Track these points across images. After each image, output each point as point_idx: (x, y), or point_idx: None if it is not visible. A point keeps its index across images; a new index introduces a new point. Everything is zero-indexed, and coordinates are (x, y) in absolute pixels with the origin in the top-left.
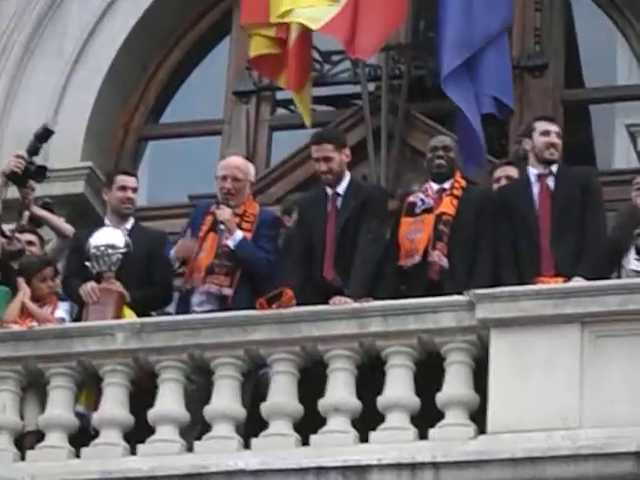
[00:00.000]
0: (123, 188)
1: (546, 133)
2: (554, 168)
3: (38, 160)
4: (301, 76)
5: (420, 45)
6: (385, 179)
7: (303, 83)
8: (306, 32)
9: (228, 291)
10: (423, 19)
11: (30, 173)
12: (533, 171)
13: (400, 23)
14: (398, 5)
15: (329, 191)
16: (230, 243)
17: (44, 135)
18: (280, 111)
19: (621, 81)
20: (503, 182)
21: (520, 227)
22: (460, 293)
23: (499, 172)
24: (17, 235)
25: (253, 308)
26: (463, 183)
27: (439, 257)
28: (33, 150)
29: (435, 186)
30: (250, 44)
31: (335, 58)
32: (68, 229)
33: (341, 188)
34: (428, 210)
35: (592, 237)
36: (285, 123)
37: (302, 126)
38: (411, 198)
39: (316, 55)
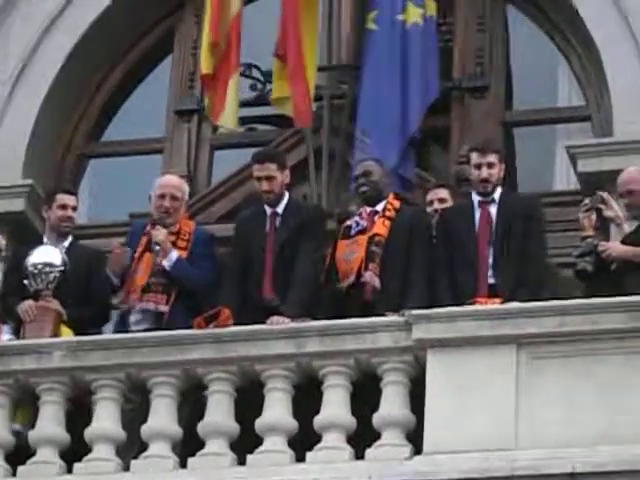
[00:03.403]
0: (63, 207)
1: (478, 167)
2: (496, 195)
3: None
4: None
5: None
6: (326, 199)
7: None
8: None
9: (164, 308)
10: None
11: None
12: (476, 197)
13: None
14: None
15: (268, 210)
16: (166, 264)
17: None
18: (221, 130)
19: (562, 103)
20: (436, 204)
21: (459, 251)
22: (393, 312)
23: (431, 195)
24: None
25: (189, 326)
26: (396, 205)
27: (371, 277)
28: None
29: (368, 209)
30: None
31: None
32: (0, 243)
33: (280, 208)
34: (362, 231)
35: (532, 265)
36: (226, 142)
37: (243, 145)
38: (348, 222)
39: (257, 74)
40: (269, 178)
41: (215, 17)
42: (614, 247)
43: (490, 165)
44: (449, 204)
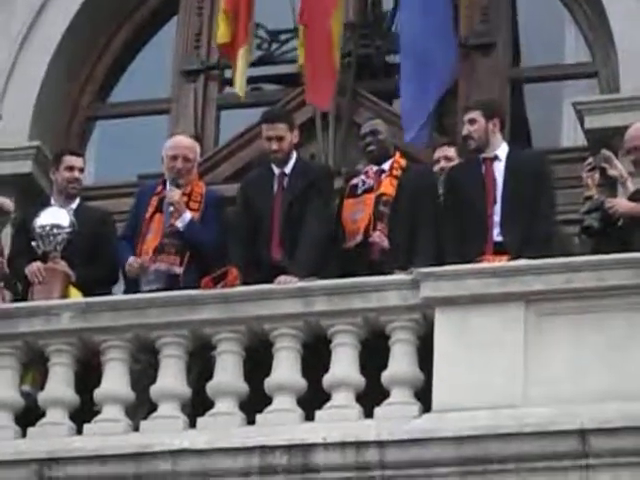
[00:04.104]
0: (70, 168)
1: (463, 124)
2: (500, 152)
3: None
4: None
5: (367, 24)
6: (333, 158)
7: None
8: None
9: (178, 270)
10: None
11: None
12: (481, 155)
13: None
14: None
15: (276, 171)
16: (179, 224)
17: None
18: (228, 90)
19: (568, 60)
20: (442, 163)
21: (466, 209)
22: (401, 271)
23: (438, 152)
24: None
25: (200, 287)
26: (403, 163)
27: (380, 237)
28: None
29: (375, 167)
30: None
31: (283, 37)
32: (9, 206)
33: (288, 168)
34: (368, 190)
35: (540, 222)
36: (233, 102)
37: (250, 105)
38: (353, 180)
39: (263, 34)
40: (279, 138)
41: None
42: (621, 203)
43: (471, 121)
44: (455, 162)
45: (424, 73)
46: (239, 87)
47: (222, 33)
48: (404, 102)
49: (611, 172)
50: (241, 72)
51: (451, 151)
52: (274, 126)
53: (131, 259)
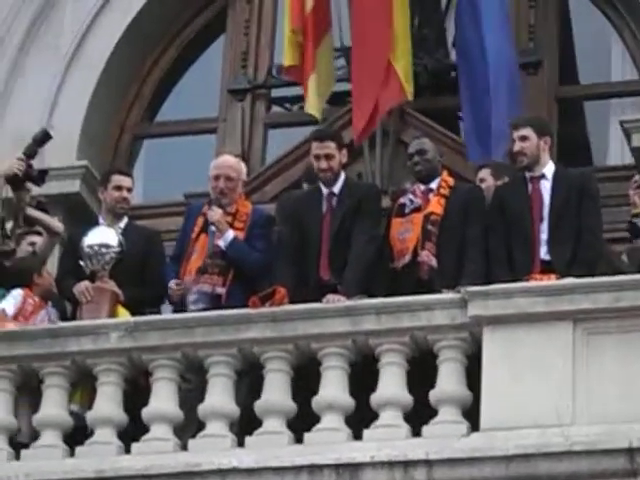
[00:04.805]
0: (118, 188)
1: (513, 141)
2: (547, 170)
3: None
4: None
5: (414, 42)
6: (380, 177)
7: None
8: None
9: (221, 290)
10: (417, 16)
11: (29, 176)
12: (528, 173)
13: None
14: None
15: (324, 190)
16: (221, 243)
17: (43, 139)
18: (275, 109)
19: (615, 78)
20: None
21: (514, 227)
22: (449, 290)
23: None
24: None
25: (247, 306)
26: (451, 182)
27: (428, 257)
28: (31, 153)
29: (422, 186)
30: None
31: None
32: (59, 227)
33: (336, 187)
34: (416, 209)
35: (588, 240)
36: (280, 121)
37: (297, 124)
38: (401, 199)
39: None
40: (328, 156)
41: (296, 5)
42: None
43: (523, 138)
44: (489, 184)
45: (509, 89)
46: (312, 107)
47: (289, 55)
48: (496, 121)
49: None
50: (313, 94)
51: (484, 173)
52: (324, 144)
53: (171, 282)
